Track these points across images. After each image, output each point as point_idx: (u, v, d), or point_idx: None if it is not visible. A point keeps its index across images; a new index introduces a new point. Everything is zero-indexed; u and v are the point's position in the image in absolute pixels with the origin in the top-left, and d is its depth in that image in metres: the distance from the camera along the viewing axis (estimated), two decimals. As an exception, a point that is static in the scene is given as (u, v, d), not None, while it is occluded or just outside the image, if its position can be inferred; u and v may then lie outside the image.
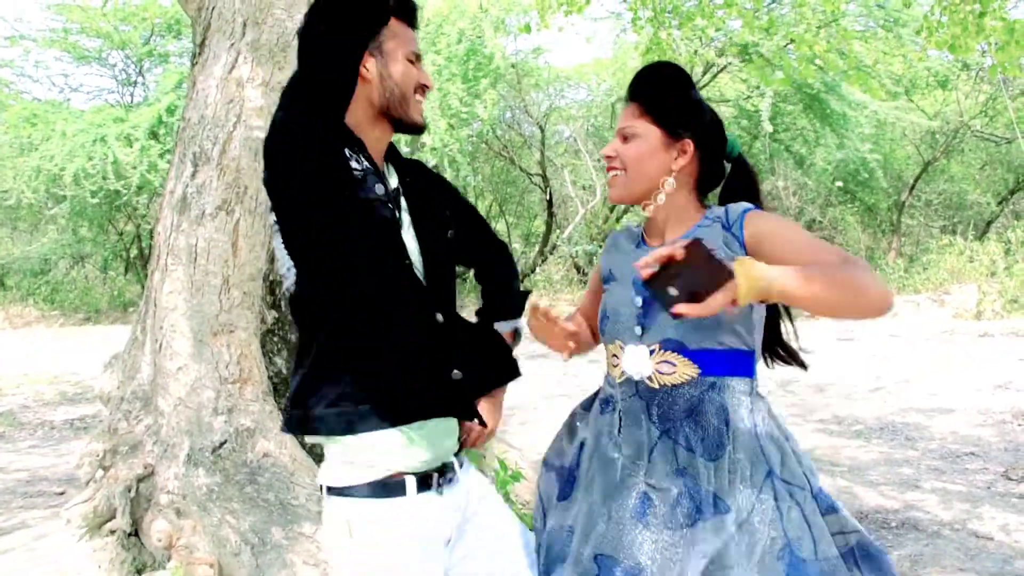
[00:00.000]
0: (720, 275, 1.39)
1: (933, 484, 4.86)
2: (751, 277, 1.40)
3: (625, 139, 1.74)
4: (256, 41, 3.27)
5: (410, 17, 1.77)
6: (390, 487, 1.65)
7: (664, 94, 1.72)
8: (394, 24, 1.72)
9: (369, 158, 1.71)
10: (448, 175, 13.62)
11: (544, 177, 17.62)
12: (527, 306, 1.88)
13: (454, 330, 1.76)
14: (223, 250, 3.26)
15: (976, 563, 3.69)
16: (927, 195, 18.16)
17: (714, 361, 1.65)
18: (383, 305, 1.65)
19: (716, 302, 1.39)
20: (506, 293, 2.02)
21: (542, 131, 17.36)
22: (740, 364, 1.67)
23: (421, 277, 1.73)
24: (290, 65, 3.33)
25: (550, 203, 17.80)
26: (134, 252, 19.26)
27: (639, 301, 1.71)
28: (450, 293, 1.82)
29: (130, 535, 3.19)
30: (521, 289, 2.05)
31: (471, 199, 19.01)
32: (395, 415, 1.63)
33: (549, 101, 18.29)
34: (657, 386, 1.67)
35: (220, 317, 3.25)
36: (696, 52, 12.02)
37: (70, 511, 3.25)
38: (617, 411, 1.73)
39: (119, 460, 3.27)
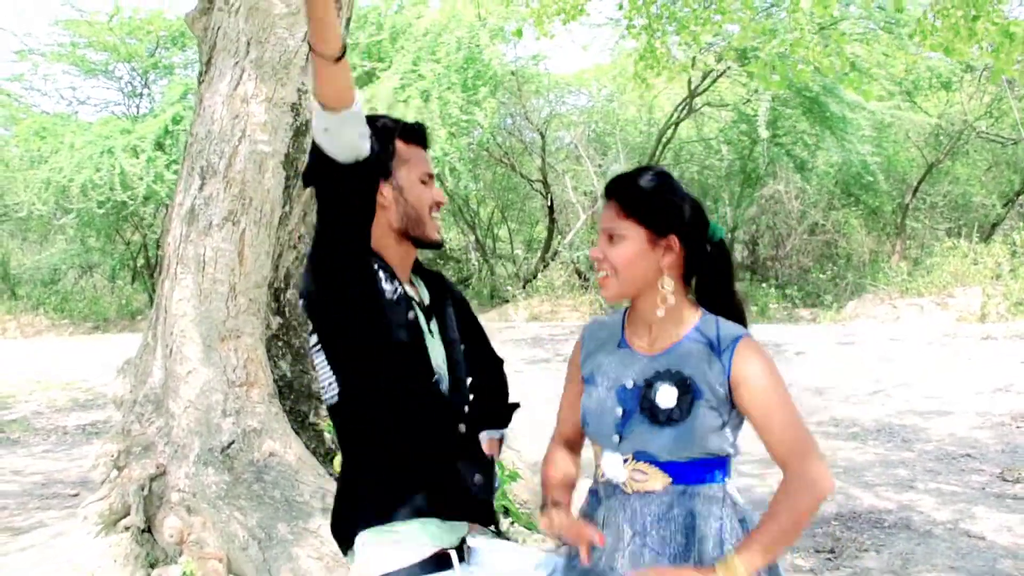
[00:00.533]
0: None
1: (928, 485, 4.95)
2: None
3: (611, 239, 1.77)
4: (260, 59, 3.41)
5: (419, 139, 1.89)
6: (439, 562, 1.77)
7: (645, 195, 1.77)
8: (403, 148, 1.85)
9: (397, 278, 1.83)
10: (449, 183, 13.77)
11: (545, 183, 17.73)
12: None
13: (475, 439, 1.91)
14: (230, 259, 3.39)
15: (966, 562, 3.78)
16: (932, 197, 18.16)
17: (685, 471, 1.72)
18: (413, 421, 1.79)
19: None
20: (498, 405, 2.13)
21: (543, 137, 17.47)
22: (713, 471, 1.75)
23: (446, 388, 1.87)
24: (292, 81, 3.47)
25: (551, 209, 17.91)
26: (141, 261, 19.46)
27: (619, 412, 1.76)
28: (468, 402, 1.96)
29: (143, 531, 3.33)
30: (510, 403, 2.18)
31: (472, 206, 19.18)
32: (440, 510, 1.79)
33: (549, 107, 18.39)
34: (631, 491, 1.75)
35: (227, 323, 3.38)
36: (694, 58, 12.15)
37: (87, 509, 3.39)
38: (602, 507, 1.82)
39: (132, 460, 3.40)
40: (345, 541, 1.83)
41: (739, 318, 1.83)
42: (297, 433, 3.46)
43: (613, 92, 17.79)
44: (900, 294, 14.37)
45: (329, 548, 2.88)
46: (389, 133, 1.84)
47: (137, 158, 15.04)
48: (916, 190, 17.13)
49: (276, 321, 3.82)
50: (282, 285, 3.87)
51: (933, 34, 5.38)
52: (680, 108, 16.04)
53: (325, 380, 1.82)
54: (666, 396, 1.70)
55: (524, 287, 16.76)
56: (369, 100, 13.32)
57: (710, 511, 1.71)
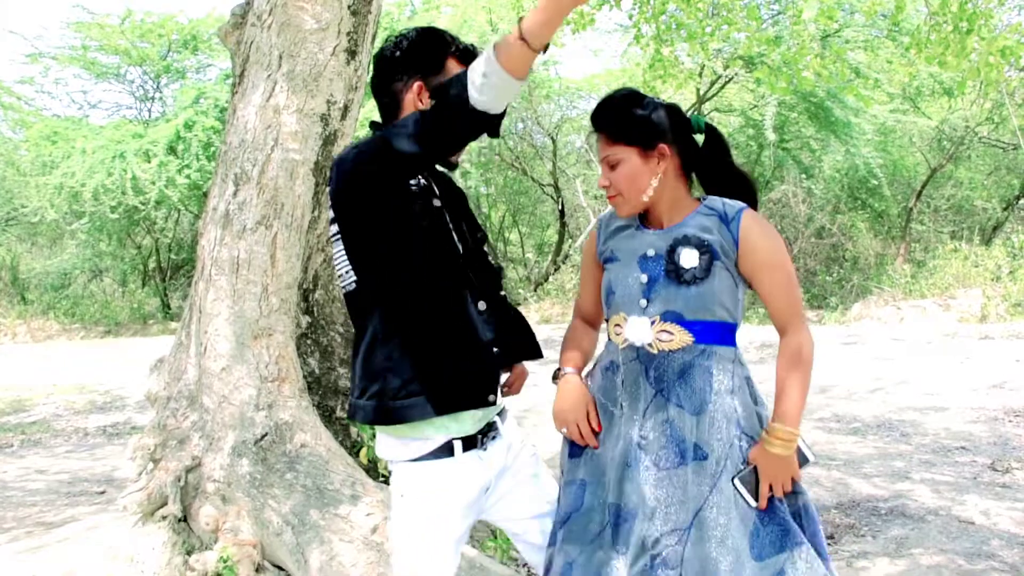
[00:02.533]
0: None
1: (923, 475, 5.15)
2: (789, 448, 1.91)
3: (611, 167, 2.00)
4: (291, 72, 3.61)
5: (469, 60, 2.01)
6: (438, 451, 1.95)
7: (623, 120, 1.99)
8: (452, 65, 2.00)
9: (424, 174, 2.00)
10: (460, 186, 13.95)
11: (556, 187, 17.92)
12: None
13: (494, 315, 2.05)
14: (263, 261, 3.59)
15: (956, 544, 3.99)
16: (935, 201, 18.33)
17: (706, 331, 1.96)
18: (437, 295, 1.93)
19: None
20: (525, 336, 2.27)
21: (554, 142, 17.67)
22: (727, 335, 1.99)
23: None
24: (321, 93, 3.67)
25: (562, 213, 18.09)
26: (152, 265, 19.57)
27: (644, 279, 1.98)
28: (489, 282, 2.10)
29: (180, 520, 3.52)
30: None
31: (484, 209, 19.35)
32: (445, 405, 1.91)
33: (560, 112, 18.59)
34: (656, 351, 1.97)
35: (260, 322, 3.58)
36: (703, 66, 12.32)
37: (126, 499, 3.58)
38: (620, 373, 2.03)
39: (168, 453, 3.60)
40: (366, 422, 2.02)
41: (747, 190, 2.09)
42: (325, 426, 3.65)
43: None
44: (904, 296, 14.53)
45: (359, 532, 3.08)
46: (446, 46, 2.00)
47: (149, 162, 15.11)
48: (920, 194, 17.29)
49: (305, 320, 4.02)
50: (311, 286, 4.07)
51: (928, 46, 5.56)
52: (690, 113, 16.21)
53: (342, 268, 1.97)
54: (689, 257, 1.94)
55: (535, 290, 16.93)
56: (380, 106, 13.52)
57: (724, 368, 1.96)
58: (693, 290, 1.93)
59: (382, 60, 2.04)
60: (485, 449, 2.01)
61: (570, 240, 18.03)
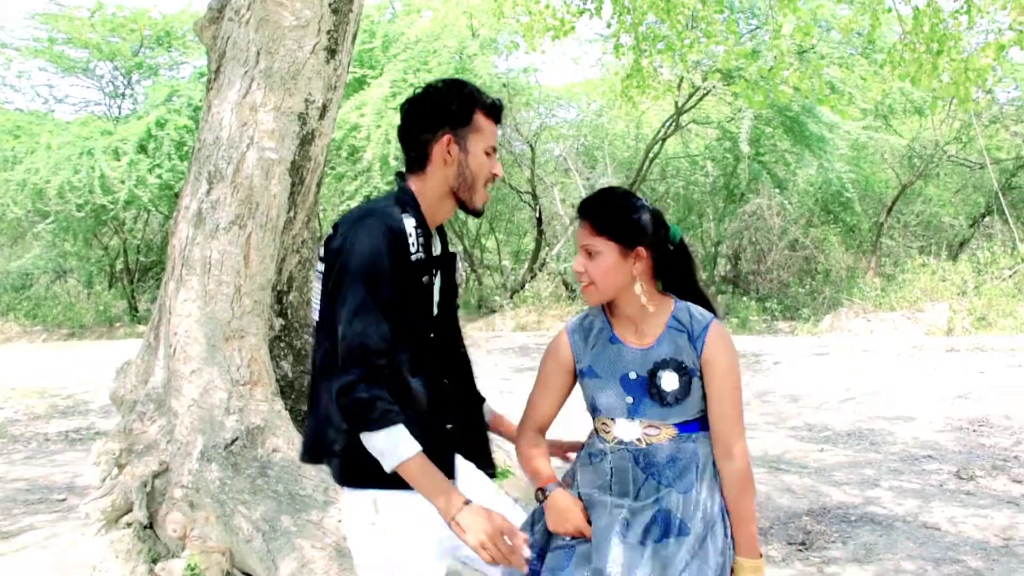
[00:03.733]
0: None
1: (891, 483, 5.21)
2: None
3: (589, 255, 2.08)
4: (269, 69, 3.55)
5: (495, 114, 2.08)
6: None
7: (612, 215, 2.08)
8: (480, 119, 2.05)
9: (427, 234, 2.02)
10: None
11: (534, 195, 17.88)
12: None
13: (454, 391, 2.11)
14: (235, 261, 3.52)
15: (923, 550, 4.05)
16: (905, 217, 18.60)
17: (688, 426, 2.09)
18: (408, 368, 1.96)
19: None
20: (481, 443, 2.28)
21: (532, 149, 17.63)
22: (702, 424, 2.11)
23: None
24: (299, 91, 3.62)
25: (539, 220, 18.05)
26: (119, 267, 19.16)
27: (629, 400, 2.09)
28: (454, 354, 2.16)
29: (146, 527, 3.43)
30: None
31: (461, 216, 19.29)
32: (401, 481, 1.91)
33: (539, 120, 18.52)
34: (644, 445, 2.08)
35: (232, 324, 3.51)
36: (681, 78, 12.40)
37: (88, 506, 3.49)
38: (608, 461, 2.11)
39: (135, 458, 3.51)
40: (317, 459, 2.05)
41: (705, 303, 2.17)
42: (298, 431, 3.59)
43: (602, 106, 17.97)
44: (874, 308, 14.70)
45: (332, 539, 3.02)
46: (473, 101, 2.05)
47: (118, 161, 14.69)
48: (890, 209, 17.53)
49: (279, 323, 3.96)
50: (285, 288, 4.00)
51: (901, 65, 5.65)
52: (667, 124, 16.30)
53: (315, 300, 2.03)
54: (670, 381, 2.05)
55: (511, 297, 16.89)
56: (359, 107, 13.42)
57: (707, 451, 2.08)
58: (676, 408, 2.06)
59: (411, 112, 2.09)
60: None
61: (547, 248, 18.01)
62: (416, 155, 2.07)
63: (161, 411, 3.61)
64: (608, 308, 2.17)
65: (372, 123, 13.12)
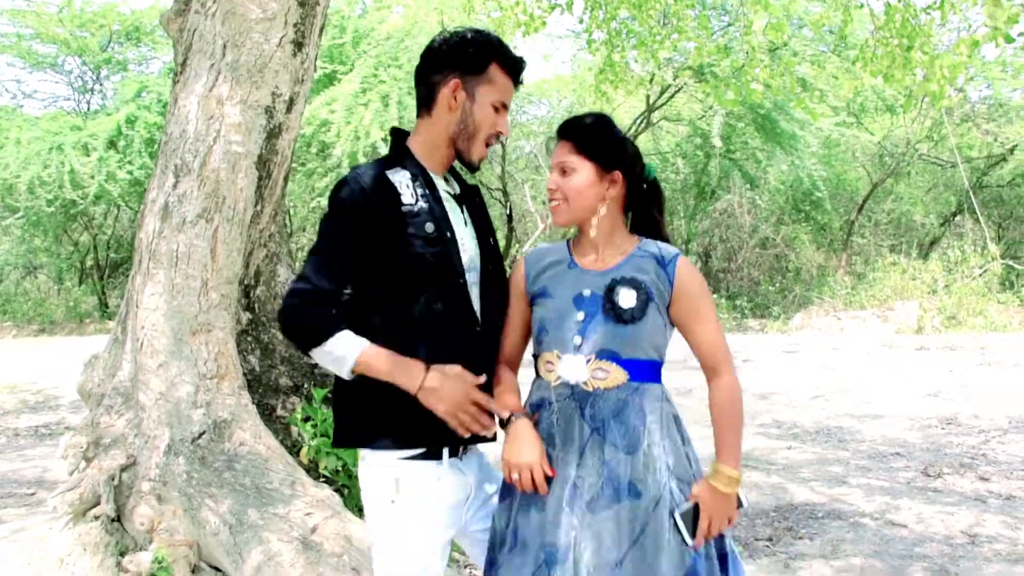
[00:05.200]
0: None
1: (859, 480, 5.26)
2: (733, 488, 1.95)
3: (564, 173, 2.04)
4: (235, 62, 3.53)
5: (514, 71, 2.04)
6: (430, 453, 1.94)
7: (594, 134, 2.04)
8: (494, 70, 2.01)
9: (429, 183, 1.99)
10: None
11: (504, 192, 17.92)
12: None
13: (488, 338, 2.05)
14: (203, 255, 3.50)
15: (889, 547, 4.08)
16: (876, 215, 18.80)
17: (639, 369, 1.99)
18: (431, 320, 1.94)
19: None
20: None
21: (503, 146, 17.66)
22: (656, 373, 2.03)
23: (478, 279, 2.04)
24: (266, 85, 3.60)
25: (510, 218, 18.09)
26: (90, 263, 18.99)
27: (580, 316, 1.99)
28: (498, 299, 2.10)
29: (113, 520, 3.41)
30: None
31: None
32: (409, 443, 1.94)
33: (510, 116, 18.59)
34: (591, 389, 1.97)
35: (199, 317, 3.49)
36: (653, 74, 12.44)
37: (56, 499, 3.46)
38: (553, 412, 2.01)
39: (102, 452, 3.48)
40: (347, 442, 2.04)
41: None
42: (265, 425, 3.57)
43: (573, 103, 18.04)
44: (844, 307, 14.87)
45: (299, 532, 3.02)
46: (491, 51, 2.01)
47: (88, 156, 14.64)
48: (861, 208, 17.71)
49: (246, 317, 3.94)
50: (252, 282, 3.99)
51: (874, 60, 5.70)
52: (638, 121, 16.37)
53: None
54: (627, 297, 1.97)
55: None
56: (329, 103, 13.36)
57: (655, 407, 1.99)
58: (629, 329, 1.96)
59: (429, 51, 2.05)
60: (461, 459, 2.01)
61: (517, 245, 18.06)
62: (425, 97, 2.04)
63: (128, 405, 3.58)
64: (571, 241, 2.12)
65: (342, 119, 13.07)
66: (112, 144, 14.90)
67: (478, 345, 2.02)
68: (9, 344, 15.01)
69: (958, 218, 18.35)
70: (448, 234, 1.98)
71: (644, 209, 2.15)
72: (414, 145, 2.04)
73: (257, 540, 3.01)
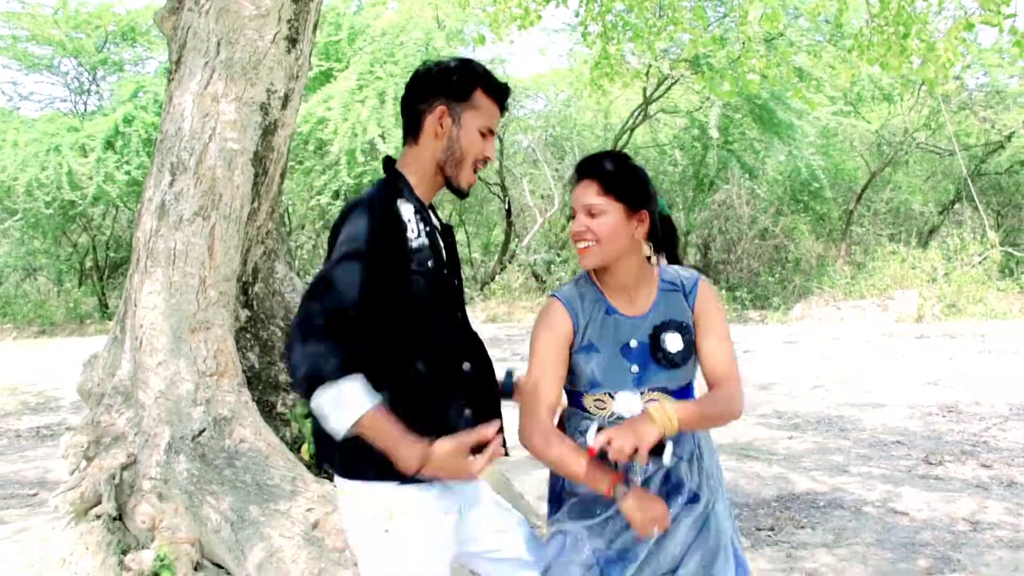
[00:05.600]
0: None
1: (860, 469, 5.26)
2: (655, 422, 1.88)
3: (592, 215, 2.02)
4: (230, 59, 3.53)
5: (499, 96, 2.04)
6: (419, 478, 1.86)
7: (620, 175, 2.05)
8: (479, 96, 2.00)
9: (427, 217, 1.97)
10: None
11: (503, 187, 17.91)
12: None
13: (475, 375, 2.03)
14: (200, 253, 3.50)
15: (891, 535, 4.09)
16: (875, 204, 18.77)
17: (683, 394, 2.06)
18: (441, 358, 1.93)
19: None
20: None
21: (500, 141, 17.64)
22: (692, 389, 2.11)
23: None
24: (261, 81, 3.60)
25: (509, 212, 18.09)
26: (89, 264, 18.98)
27: (635, 369, 2.03)
28: (470, 334, 2.08)
29: (115, 519, 3.41)
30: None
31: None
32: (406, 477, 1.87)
33: (507, 111, 18.57)
34: None
35: (198, 315, 3.49)
36: (649, 66, 12.42)
37: (57, 498, 3.47)
38: None
39: (102, 451, 3.49)
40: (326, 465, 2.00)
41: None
42: (265, 422, 3.58)
43: (570, 97, 18.02)
44: (844, 296, 14.87)
45: (300, 528, 3.02)
46: (476, 78, 2.01)
47: (86, 157, 14.64)
48: (860, 197, 17.69)
49: (244, 314, 3.94)
50: (250, 279, 3.99)
51: (870, 48, 5.69)
52: (635, 114, 16.36)
53: None
54: (674, 342, 2.02)
55: (481, 290, 16.91)
56: (325, 100, 13.35)
57: None
58: (681, 369, 2.04)
59: (414, 80, 2.05)
60: (451, 487, 1.97)
61: (516, 239, 18.05)
62: (410, 124, 2.04)
63: (128, 403, 3.58)
64: (597, 279, 2.11)
65: (339, 116, 13.07)
66: (109, 145, 14.88)
67: (470, 382, 2.00)
68: (9, 346, 15.01)
69: (957, 206, 18.31)
70: (444, 270, 2.00)
71: (663, 242, 2.17)
72: (407, 174, 2.02)
73: (259, 536, 3.02)
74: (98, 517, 3.44)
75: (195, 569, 3.26)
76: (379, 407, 1.76)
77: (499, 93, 2.05)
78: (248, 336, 3.97)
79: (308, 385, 1.72)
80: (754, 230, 18.34)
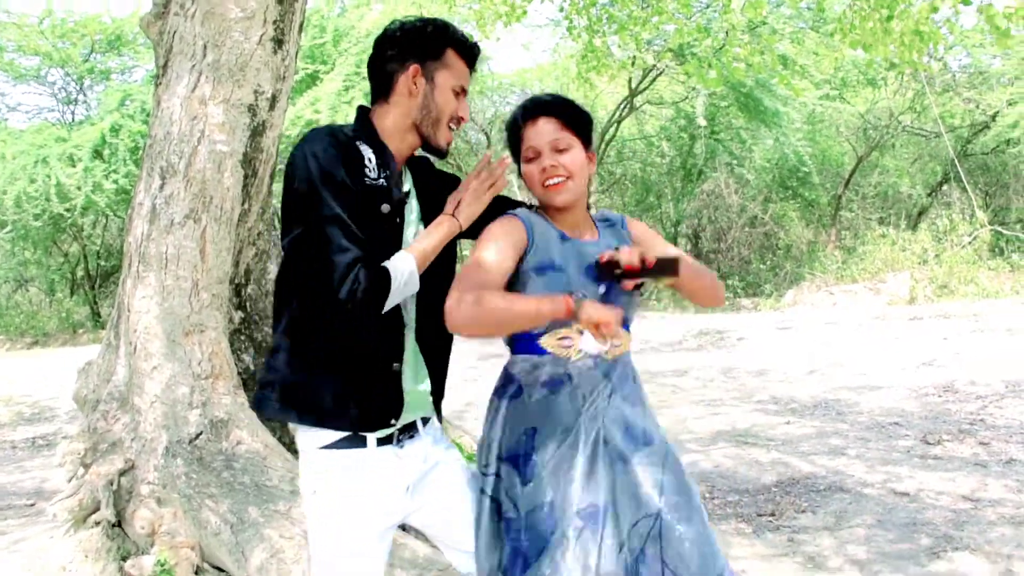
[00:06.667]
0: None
1: (859, 451, 5.28)
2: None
3: (559, 151, 2.01)
4: (216, 62, 3.52)
5: (469, 56, 2.03)
6: (353, 440, 1.92)
7: (577, 112, 2.06)
8: (451, 56, 2.00)
9: (389, 164, 1.95)
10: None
11: (492, 183, 17.91)
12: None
13: (419, 337, 2.02)
14: (192, 256, 3.49)
15: (892, 516, 4.10)
16: (863, 188, 18.84)
17: (632, 331, 2.09)
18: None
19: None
20: None
21: (488, 137, 17.67)
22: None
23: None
24: (248, 83, 3.59)
25: (500, 208, 18.09)
26: (80, 273, 18.95)
27: (602, 289, 1.98)
28: (438, 293, 1.97)
29: (114, 525, 3.40)
30: None
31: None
32: (353, 426, 1.91)
33: (494, 107, 18.58)
34: (611, 358, 2.01)
35: (191, 318, 3.48)
36: (634, 58, 12.43)
37: (55, 506, 3.45)
38: (575, 386, 1.98)
39: (100, 457, 3.48)
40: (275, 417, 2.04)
41: None
42: (262, 423, 3.57)
43: (556, 91, 18.00)
44: (835, 281, 14.92)
45: (300, 528, 3.02)
46: (446, 37, 2.01)
47: (74, 167, 14.60)
48: (848, 182, 17.75)
49: (238, 316, 3.93)
50: (243, 281, 3.98)
51: (852, 32, 5.70)
52: (622, 106, 16.37)
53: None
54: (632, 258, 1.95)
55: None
56: (312, 103, 13.33)
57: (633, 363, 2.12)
58: (635, 296, 2.04)
59: (382, 40, 2.03)
60: (401, 446, 1.98)
61: (508, 236, 18.06)
62: (381, 85, 2.02)
63: (124, 409, 3.57)
64: (548, 216, 2.07)
65: (328, 118, 13.05)
66: (97, 154, 14.84)
67: (398, 336, 1.97)
68: (2, 357, 14.95)
69: (945, 187, 18.39)
70: (398, 219, 1.96)
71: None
72: (377, 126, 2.01)
73: (259, 538, 3.02)
74: (97, 524, 3.43)
75: (196, 573, 3.25)
76: (411, 248, 1.92)
77: (470, 52, 2.05)
78: (242, 338, 3.96)
79: (381, 305, 1.84)
80: (743, 218, 18.39)
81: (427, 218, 2.04)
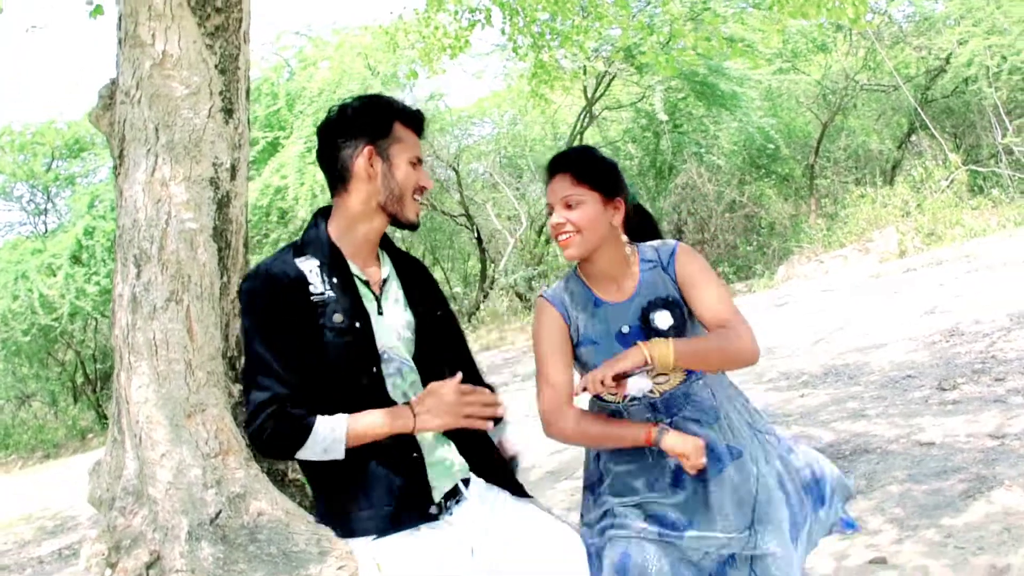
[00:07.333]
0: None
1: (878, 410, 5.26)
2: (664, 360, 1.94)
3: (570, 207, 2.07)
4: (171, 142, 3.51)
5: (416, 125, 2.04)
6: (401, 524, 1.93)
7: (593, 165, 2.11)
8: (400, 129, 2.00)
9: (339, 270, 1.96)
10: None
11: (468, 216, 17.92)
12: None
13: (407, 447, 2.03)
14: (180, 337, 3.46)
15: (922, 467, 4.08)
16: (834, 153, 18.94)
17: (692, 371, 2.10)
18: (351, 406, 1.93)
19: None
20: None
21: (456, 172, 17.69)
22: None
23: (410, 352, 2.01)
24: (205, 157, 3.58)
25: (479, 240, 18.10)
26: (80, 380, 18.89)
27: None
28: (437, 367, 2.05)
29: (149, 620, 3.35)
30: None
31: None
32: (390, 527, 1.98)
33: (457, 142, 18.65)
34: (658, 394, 2.08)
35: (190, 399, 3.44)
36: (584, 67, 12.52)
37: (87, 612, 3.40)
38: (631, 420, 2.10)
39: (124, 553, 3.43)
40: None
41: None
42: (279, 490, 3.53)
43: (515, 115, 18.13)
44: (824, 249, 14.94)
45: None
46: (390, 112, 2.01)
47: (54, 276, 14.59)
48: (817, 150, 17.85)
49: (236, 389, 3.90)
50: (235, 353, 3.94)
51: (788, 3, 5.77)
52: (581, 117, 16.46)
53: None
54: (663, 319, 2.05)
55: (469, 321, 16.87)
56: (278, 170, 13.38)
57: (718, 382, 2.12)
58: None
59: (327, 129, 2.05)
60: (451, 513, 1.98)
61: (492, 265, 18.05)
62: (336, 174, 2.03)
63: (140, 502, 3.52)
64: (582, 273, 2.15)
65: (295, 181, 13.11)
66: (76, 259, 14.85)
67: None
68: (16, 476, 14.84)
69: (913, 138, 18.51)
70: (358, 324, 1.95)
71: (637, 225, 2.21)
72: (331, 227, 2.03)
73: (295, 605, 2.97)
74: (133, 621, 3.38)
75: (240, 652, 3.20)
76: (350, 416, 1.91)
77: (415, 121, 2.06)
78: (244, 410, 3.93)
79: (294, 456, 1.99)
80: (722, 204, 18.42)
81: (411, 300, 2.06)
